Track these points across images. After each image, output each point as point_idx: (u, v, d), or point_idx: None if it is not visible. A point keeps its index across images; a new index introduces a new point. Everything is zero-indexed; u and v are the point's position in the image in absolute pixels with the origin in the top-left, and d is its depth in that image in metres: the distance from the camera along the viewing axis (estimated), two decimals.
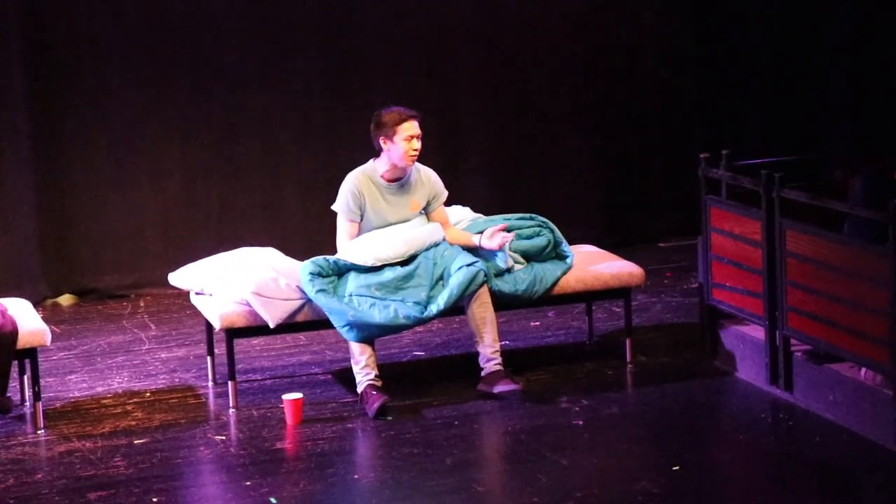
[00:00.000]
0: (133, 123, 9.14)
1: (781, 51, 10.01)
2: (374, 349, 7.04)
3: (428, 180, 7.30)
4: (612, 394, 7.11)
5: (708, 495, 5.99)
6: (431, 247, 7.17)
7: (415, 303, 7.00)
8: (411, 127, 7.12)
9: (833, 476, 6.13)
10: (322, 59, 9.39)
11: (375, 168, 7.24)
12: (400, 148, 7.12)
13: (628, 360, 7.52)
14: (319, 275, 7.00)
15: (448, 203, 7.43)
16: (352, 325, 6.94)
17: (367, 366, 6.98)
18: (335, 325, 7.00)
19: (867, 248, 6.35)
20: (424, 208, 7.31)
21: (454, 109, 9.61)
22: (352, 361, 7.04)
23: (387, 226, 7.20)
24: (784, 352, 6.90)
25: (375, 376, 6.99)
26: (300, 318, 7.06)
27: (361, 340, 6.98)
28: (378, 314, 6.92)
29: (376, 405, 6.88)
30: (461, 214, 7.55)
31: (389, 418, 6.88)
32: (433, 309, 7.00)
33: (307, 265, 7.04)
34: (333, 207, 7.25)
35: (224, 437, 6.77)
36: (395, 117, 7.12)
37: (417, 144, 7.14)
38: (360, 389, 7.00)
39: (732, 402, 7.02)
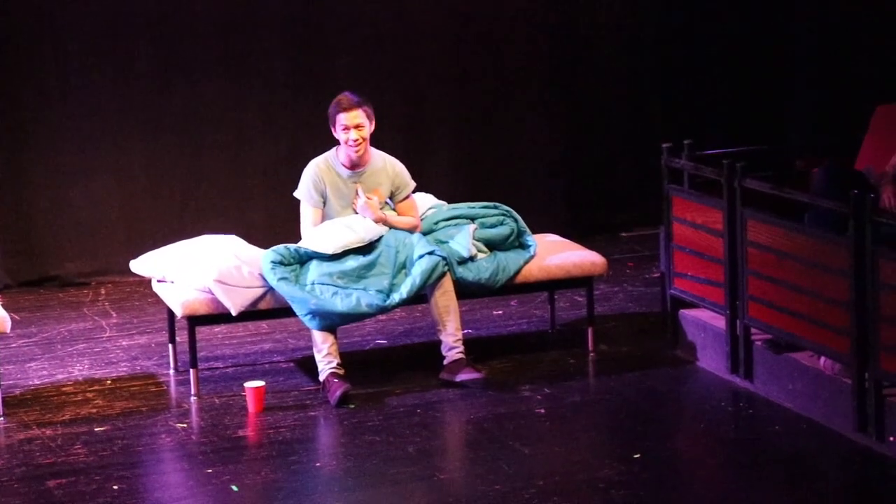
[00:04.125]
0: (95, 111, 9.09)
1: (744, 41, 10.04)
2: (336, 337, 7.03)
3: (392, 171, 7.29)
4: (574, 382, 7.13)
5: (668, 483, 6.01)
6: (392, 235, 7.15)
7: (377, 291, 6.99)
8: (346, 118, 7.10)
9: (792, 464, 6.16)
10: (286, 49, 9.35)
11: (337, 156, 7.24)
12: (340, 138, 7.13)
13: (590, 348, 7.54)
14: (281, 263, 6.99)
15: (413, 191, 7.42)
16: (314, 314, 6.94)
17: (329, 354, 6.97)
18: (297, 314, 6.99)
19: (828, 239, 6.38)
20: (391, 199, 7.30)
21: (419, 98, 9.59)
22: (314, 349, 7.03)
23: (351, 213, 7.20)
24: (744, 341, 6.93)
25: (338, 364, 6.98)
26: (262, 305, 7.05)
27: (323, 329, 6.97)
28: (340, 302, 6.91)
29: (338, 393, 6.87)
30: (423, 201, 7.55)
31: (352, 406, 6.88)
32: (396, 298, 6.99)
33: (269, 253, 7.03)
34: (296, 195, 7.25)
35: (185, 425, 6.75)
36: (333, 108, 7.14)
37: (355, 135, 7.11)
38: (322, 377, 6.99)
39: (693, 390, 7.05)
